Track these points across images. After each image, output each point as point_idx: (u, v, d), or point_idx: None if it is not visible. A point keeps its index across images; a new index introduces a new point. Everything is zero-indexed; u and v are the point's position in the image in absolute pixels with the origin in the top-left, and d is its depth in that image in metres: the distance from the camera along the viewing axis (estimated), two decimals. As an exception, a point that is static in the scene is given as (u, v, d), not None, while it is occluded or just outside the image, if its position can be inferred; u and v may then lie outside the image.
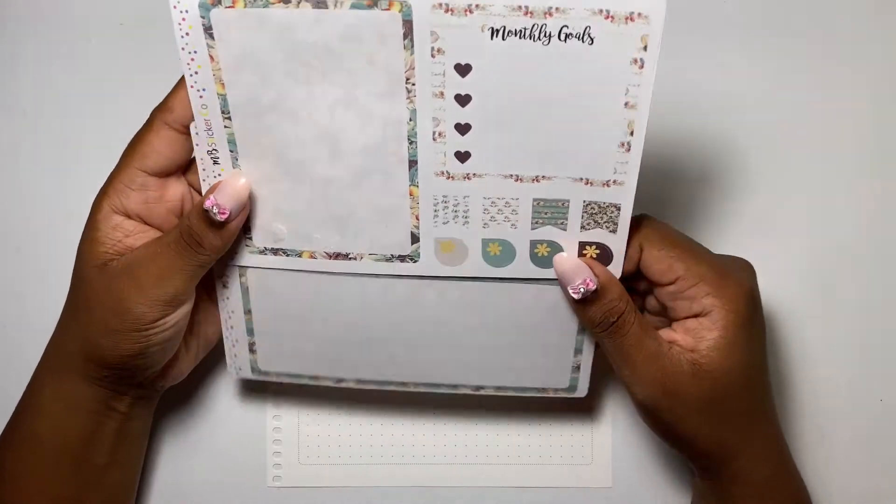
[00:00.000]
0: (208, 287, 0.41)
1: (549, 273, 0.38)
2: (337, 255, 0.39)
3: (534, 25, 0.32)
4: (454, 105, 0.34)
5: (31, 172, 0.48)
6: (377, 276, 0.39)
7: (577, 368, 0.41)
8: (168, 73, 0.48)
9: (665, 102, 0.48)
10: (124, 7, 0.49)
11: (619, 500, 0.47)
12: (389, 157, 0.36)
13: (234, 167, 0.37)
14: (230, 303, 0.41)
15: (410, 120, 0.35)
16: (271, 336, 0.42)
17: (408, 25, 0.33)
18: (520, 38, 0.32)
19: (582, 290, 0.37)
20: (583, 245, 0.37)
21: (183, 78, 0.36)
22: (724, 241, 0.47)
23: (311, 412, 0.48)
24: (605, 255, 0.38)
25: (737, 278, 0.37)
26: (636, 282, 0.39)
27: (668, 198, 0.47)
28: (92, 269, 0.38)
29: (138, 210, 0.38)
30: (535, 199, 0.36)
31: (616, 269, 0.38)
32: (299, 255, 0.39)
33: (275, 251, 0.39)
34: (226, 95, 0.35)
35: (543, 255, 0.38)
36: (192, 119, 0.36)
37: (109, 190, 0.38)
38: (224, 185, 0.37)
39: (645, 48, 0.32)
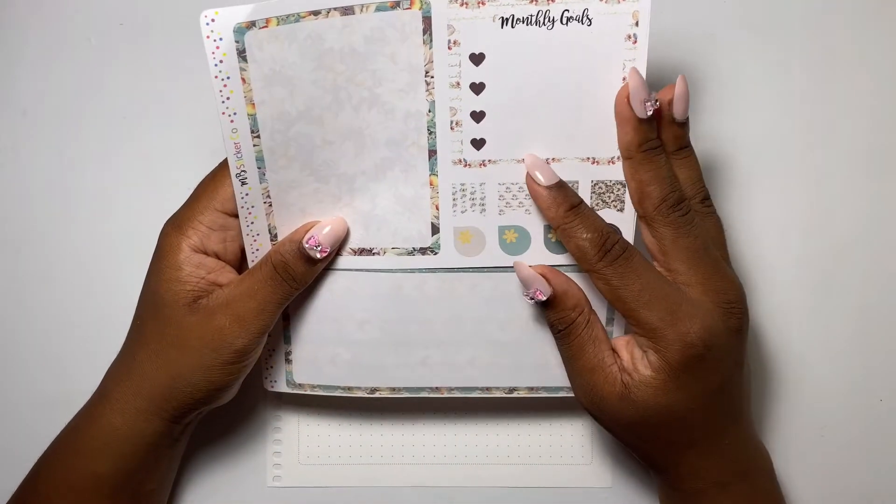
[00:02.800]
0: None
1: (565, 259, 0.40)
2: (361, 251, 0.40)
3: (538, 12, 0.35)
4: (469, 94, 0.37)
5: (31, 172, 0.48)
6: (401, 271, 0.41)
7: None
8: (168, 73, 0.48)
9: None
10: (124, 7, 0.49)
11: (619, 500, 0.47)
12: (410, 147, 0.38)
13: (261, 183, 0.39)
14: None
15: (430, 111, 0.37)
16: (307, 343, 0.43)
17: (427, 21, 0.35)
18: (527, 24, 0.36)
19: (532, 298, 0.38)
20: None
21: None
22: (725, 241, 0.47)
23: (312, 412, 0.48)
24: None
25: (690, 327, 0.36)
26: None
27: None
28: (181, 308, 0.39)
29: (217, 249, 0.40)
30: None
31: None
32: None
33: None
34: (255, 115, 0.37)
35: (557, 239, 0.39)
36: None
37: (188, 229, 0.39)
38: (324, 225, 0.39)
39: (637, 23, 0.35)
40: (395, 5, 0.35)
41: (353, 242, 0.40)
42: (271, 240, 0.40)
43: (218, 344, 0.38)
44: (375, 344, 0.42)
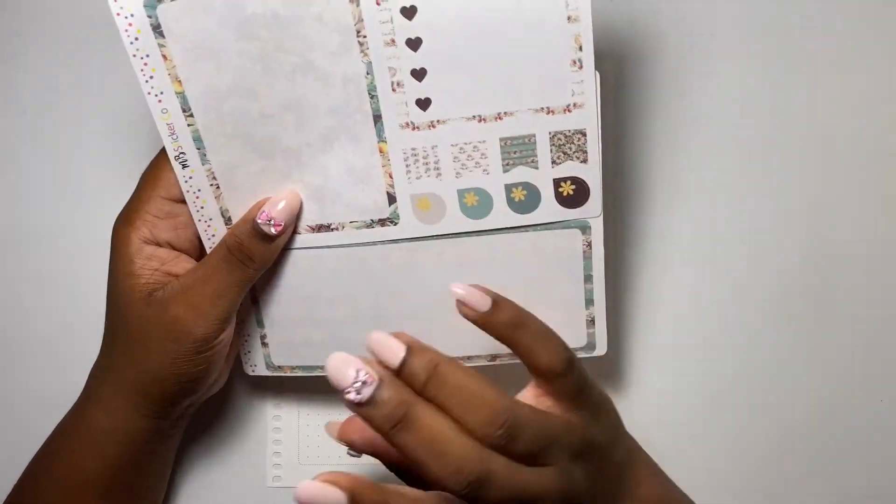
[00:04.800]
0: None
1: (531, 219, 0.38)
2: (319, 228, 0.39)
3: None
4: (407, 51, 0.35)
5: (31, 172, 0.48)
6: (362, 245, 0.39)
7: (591, 322, 0.40)
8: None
9: (664, 102, 0.48)
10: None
11: (619, 500, 0.47)
12: (354, 115, 0.36)
13: (203, 164, 0.37)
14: None
15: (368, 73, 0.35)
16: (281, 325, 0.42)
17: None
18: None
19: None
20: (557, 182, 0.37)
21: None
22: (724, 241, 0.47)
23: (312, 412, 0.48)
24: (582, 189, 0.37)
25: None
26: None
27: (666, 198, 0.47)
28: (137, 302, 0.38)
29: (168, 238, 0.39)
30: (501, 139, 0.37)
31: (595, 203, 0.37)
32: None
33: None
34: (184, 93, 0.35)
35: (521, 199, 0.38)
36: None
37: (137, 221, 0.38)
38: (277, 199, 0.37)
39: None
40: None
41: (310, 219, 0.39)
42: (225, 223, 0.39)
43: (177, 335, 0.37)
44: (347, 321, 0.41)
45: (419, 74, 0.35)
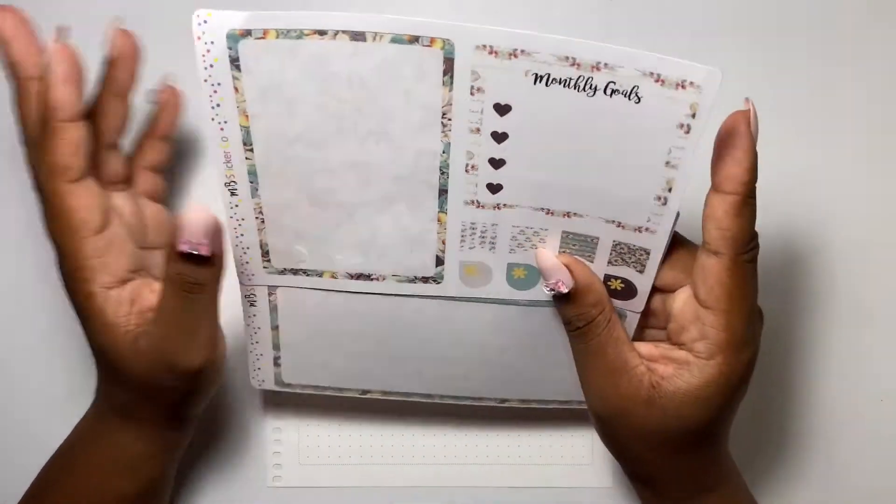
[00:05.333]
0: None
1: None
2: (359, 276, 0.39)
3: (580, 77, 0.31)
4: (490, 141, 0.34)
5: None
6: (400, 296, 0.39)
7: None
8: (169, 73, 0.48)
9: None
10: (124, 7, 0.49)
11: (619, 500, 0.47)
12: (419, 185, 0.35)
13: (252, 197, 0.36)
14: (257, 320, 0.41)
15: (444, 152, 0.34)
16: (298, 351, 0.42)
17: (448, 63, 0.32)
18: (563, 86, 0.32)
19: (553, 289, 0.36)
20: (608, 277, 0.37)
21: (53, 128, 0.34)
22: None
23: (312, 412, 0.48)
24: (629, 289, 0.37)
25: (751, 349, 0.35)
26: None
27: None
28: (126, 354, 0.36)
29: (124, 263, 0.37)
30: (564, 231, 0.36)
31: (639, 302, 0.37)
32: (320, 274, 0.39)
33: (295, 272, 0.39)
34: (249, 128, 0.35)
35: None
36: (81, 161, 0.35)
37: (85, 272, 0.36)
38: (188, 222, 0.34)
39: (693, 115, 0.31)
40: (414, 40, 0.31)
41: (352, 268, 0.38)
42: (262, 256, 0.38)
43: (179, 374, 0.36)
44: (369, 354, 0.41)
45: (497, 164, 0.34)
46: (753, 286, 0.35)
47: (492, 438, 0.48)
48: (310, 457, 0.48)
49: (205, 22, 0.32)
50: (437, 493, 0.48)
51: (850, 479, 0.47)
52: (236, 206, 0.37)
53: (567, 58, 0.31)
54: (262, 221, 0.37)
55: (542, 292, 0.38)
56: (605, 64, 0.31)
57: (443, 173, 0.35)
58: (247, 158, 0.35)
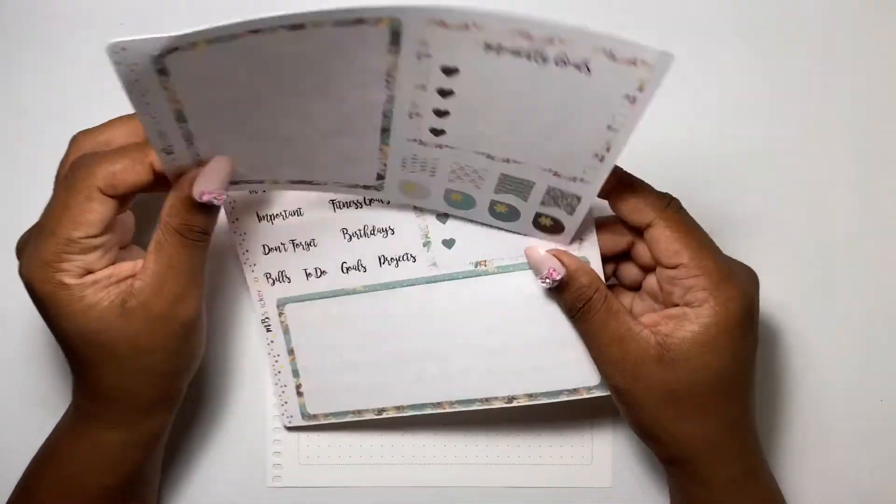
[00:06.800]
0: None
1: (505, 226, 0.40)
2: (301, 182, 0.39)
3: (531, 48, 0.31)
4: (435, 96, 0.34)
5: (31, 173, 0.48)
6: (384, 289, 0.42)
7: None
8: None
9: (665, 102, 0.48)
10: (124, 7, 0.49)
11: (619, 500, 0.47)
12: (363, 125, 0.35)
13: (188, 148, 0.35)
14: (275, 346, 0.45)
15: (388, 102, 0.34)
16: (315, 373, 0.44)
17: (395, 36, 0.31)
18: (514, 55, 0.31)
19: (548, 280, 0.38)
20: (539, 214, 0.39)
21: (129, 147, 0.36)
22: (724, 241, 0.47)
23: (311, 412, 0.48)
24: (557, 226, 0.39)
25: (738, 283, 0.37)
26: (638, 260, 0.40)
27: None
28: (113, 324, 0.36)
29: (104, 262, 0.37)
30: (502, 174, 0.37)
31: (566, 237, 0.39)
32: (261, 182, 0.39)
33: (237, 182, 0.38)
34: (181, 110, 0.33)
35: (501, 211, 0.39)
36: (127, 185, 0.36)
37: (62, 263, 0.36)
38: (212, 171, 0.35)
39: (640, 89, 0.32)
40: (359, 22, 0.30)
41: (293, 177, 0.39)
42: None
43: (171, 327, 0.37)
44: (376, 364, 0.43)
45: (441, 114, 0.35)
46: (699, 229, 0.38)
47: (492, 439, 0.48)
48: (310, 457, 0.48)
49: (122, 50, 0.30)
50: (437, 494, 0.48)
51: (850, 479, 0.47)
52: (173, 159, 0.36)
53: (520, 31, 0.31)
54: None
55: (474, 213, 0.40)
56: (560, 39, 0.31)
57: (386, 117, 0.35)
58: (178, 120, 0.34)
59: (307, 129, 0.36)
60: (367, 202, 0.41)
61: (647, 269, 0.40)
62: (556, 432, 0.47)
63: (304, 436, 0.48)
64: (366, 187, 0.40)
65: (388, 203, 0.41)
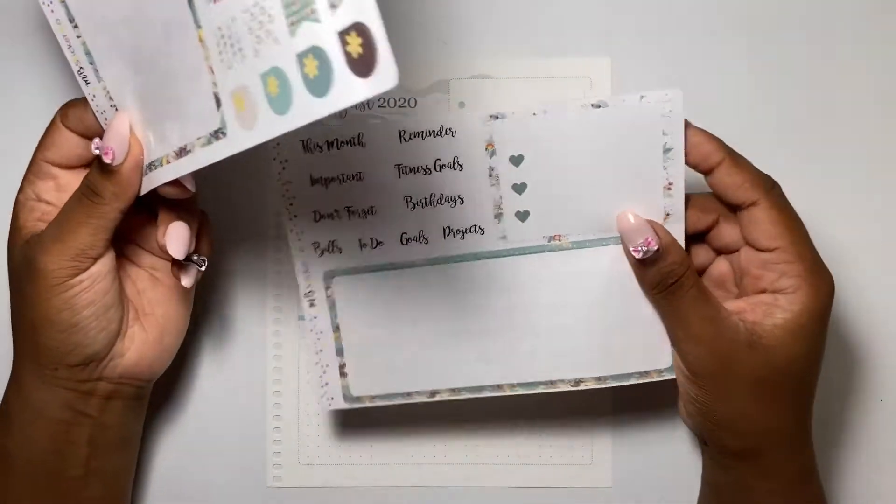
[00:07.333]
0: (152, 262, 0.41)
1: (329, 103, 0.28)
2: (181, 152, 0.35)
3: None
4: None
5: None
6: (446, 262, 0.40)
7: None
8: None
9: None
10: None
11: (619, 500, 0.47)
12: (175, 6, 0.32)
13: (98, 81, 0.36)
14: (318, 323, 0.42)
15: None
16: (362, 352, 0.42)
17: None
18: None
19: (643, 249, 0.36)
20: (343, 39, 0.28)
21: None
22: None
23: (311, 412, 0.48)
24: (368, 44, 0.28)
25: (826, 275, 0.37)
26: (716, 241, 0.39)
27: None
28: (17, 253, 0.38)
29: (50, 197, 0.39)
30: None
31: (387, 66, 0.30)
32: (161, 163, 0.36)
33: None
34: (66, 1, 0.35)
35: (315, 74, 0.28)
36: (85, 125, 0.38)
37: (23, 184, 0.40)
38: (109, 126, 0.36)
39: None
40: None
41: (174, 144, 0.35)
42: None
43: (33, 273, 0.37)
44: (432, 343, 0.41)
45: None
46: (798, 218, 0.37)
47: (492, 439, 0.48)
48: (310, 457, 0.48)
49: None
50: (436, 494, 0.48)
51: (850, 479, 0.47)
52: (94, 97, 0.37)
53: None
54: (115, 109, 0.37)
55: (300, 111, 0.30)
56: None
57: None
58: (77, 36, 0.35)
59: (148, 35, 0.34)
60: (438, 168, 0.39)
61: (721, 252, 0.39)
62: (556, 432, 0.47)
63: (304, 436, 0.48)
64: (215, 135, 0.33)
65: (461, 168, 0.39)
